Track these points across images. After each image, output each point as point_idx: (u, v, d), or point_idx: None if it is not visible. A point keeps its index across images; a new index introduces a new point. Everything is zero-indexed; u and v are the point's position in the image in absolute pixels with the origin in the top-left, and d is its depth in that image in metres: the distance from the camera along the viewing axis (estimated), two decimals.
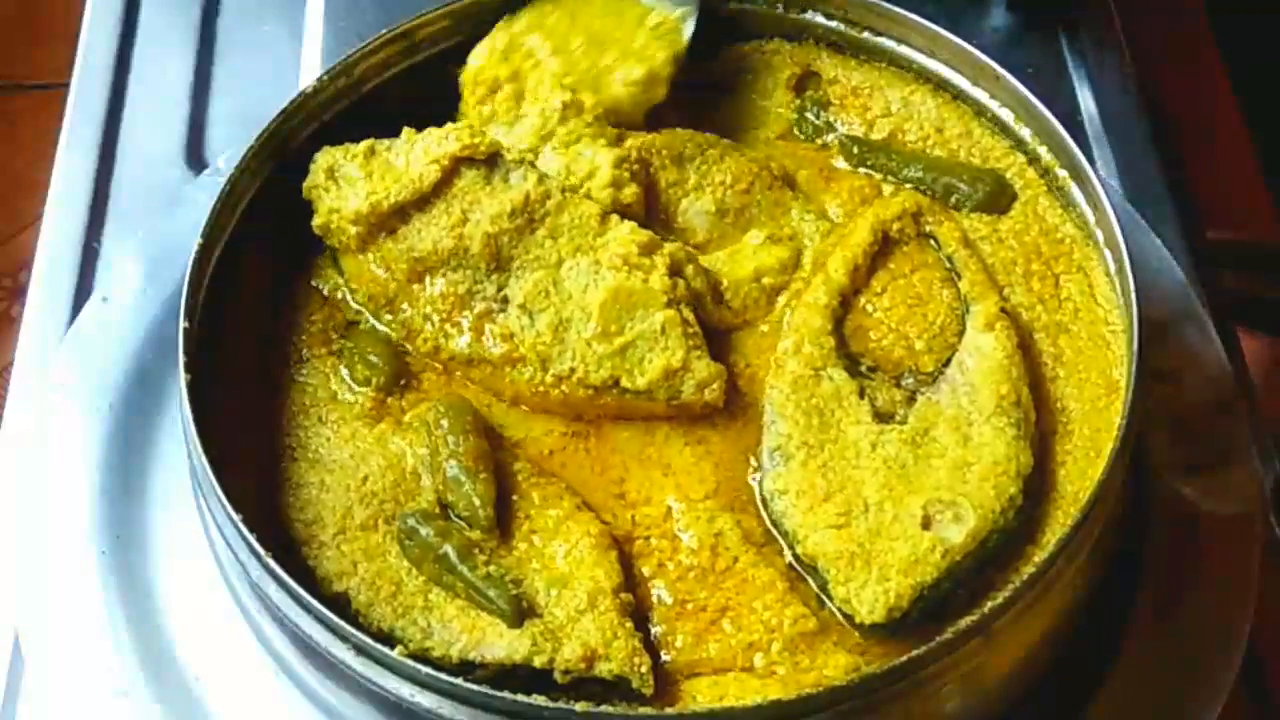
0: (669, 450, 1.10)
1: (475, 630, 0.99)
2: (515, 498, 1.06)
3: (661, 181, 1.20)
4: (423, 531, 1.03)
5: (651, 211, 1.20)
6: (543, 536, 1.04)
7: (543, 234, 1.14)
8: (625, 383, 1.10)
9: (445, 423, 1.08)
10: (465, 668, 0.97)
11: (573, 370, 1.10)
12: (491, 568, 1.01)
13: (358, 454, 1.08)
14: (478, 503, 1.04)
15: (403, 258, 1.15)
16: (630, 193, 1.17)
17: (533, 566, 1.03)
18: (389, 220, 1.15)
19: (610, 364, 1.10)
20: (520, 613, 0.99)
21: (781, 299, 1.17)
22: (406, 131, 1.20)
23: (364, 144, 1.19)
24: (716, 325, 1.15)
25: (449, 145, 1.16)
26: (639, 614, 1.02)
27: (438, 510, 1.05)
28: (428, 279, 1.15)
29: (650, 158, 1.20)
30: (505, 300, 1.14)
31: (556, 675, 0.97)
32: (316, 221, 1.18)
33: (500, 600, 0.99)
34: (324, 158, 1.19)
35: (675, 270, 1.13)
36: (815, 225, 1.20)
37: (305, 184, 1.19)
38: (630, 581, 1.03)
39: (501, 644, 0.98)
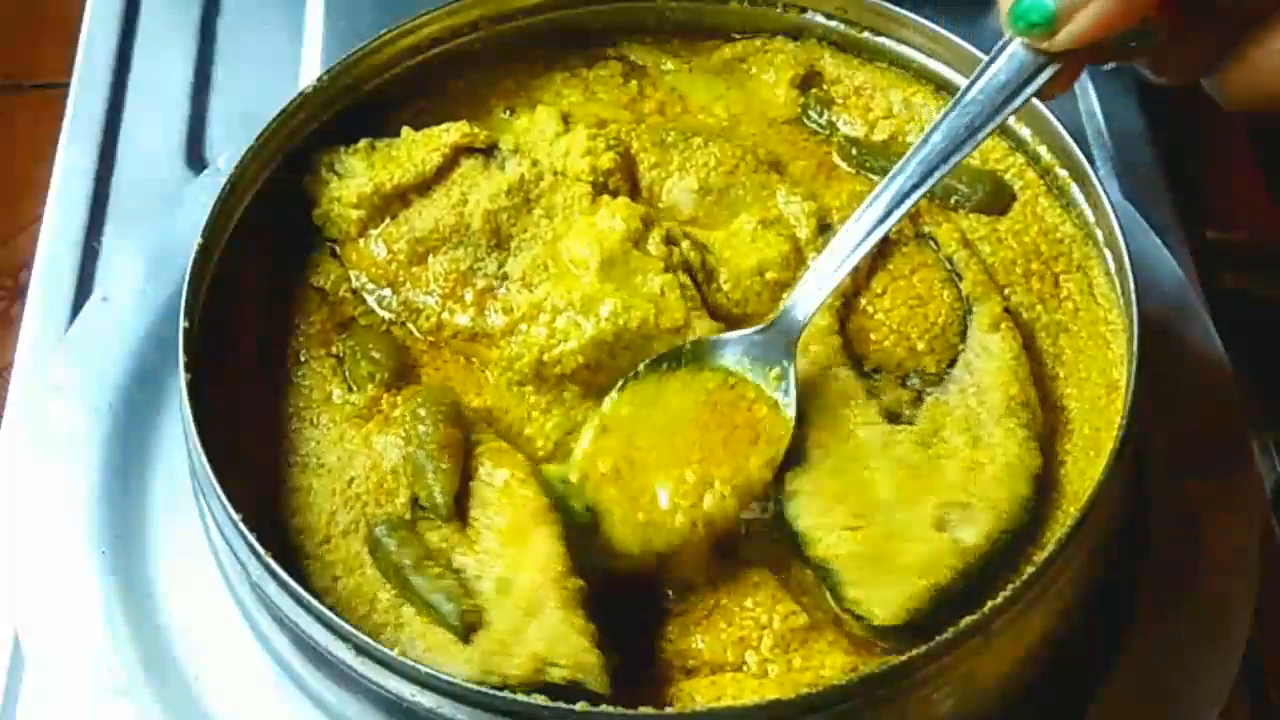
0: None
1: (438, 648, 0.97)
2: (471, 483, 1.04)
3: (644, 164, 1.22)
4: (385, 542, 1.01)
5: (635, 192, 1.21)
6: (487, 521, 1.02)
7: (539, 213, 1.17)
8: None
9: (421, 412, 1.06)
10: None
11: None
12: (445, 581, 0.98)
13: (345, 456, 1.07)
14: (437, 490, 1.02)
15: (404, 239, 1.17)
16: (608, 158, 1.19)
17: (490, 565, 1.00)
18: (390, 204, 1.18)
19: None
20: (468, 627, 0.96)
21: (785, 297, 1.17)
22: (406, 130, 1.22)
23: (363, 142, 1.21)
24: (712, 308, 1.15)
25: (450, 136, 1.19)
26: (634, 609, 1.02)
27: (409, 506, 1.04)
28: (430, 258, 1.16)
29: (631, 140, 1.22)
30: (505, 276, 1.16)
31: (516, 691, 0.93)
32: (317, 211, 1.18)
33: (451, 616, 0.96)
34: (325, 156, 1.21)
35: (670, 241, 1.15)
36: (802, 207, 1.20)
37: (306, 179, 1.19)
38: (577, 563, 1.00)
39: (459, 659, 0.96)
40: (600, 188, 1.18)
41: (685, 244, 1.16)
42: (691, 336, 1.10)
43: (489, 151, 1.20)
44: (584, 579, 0.99)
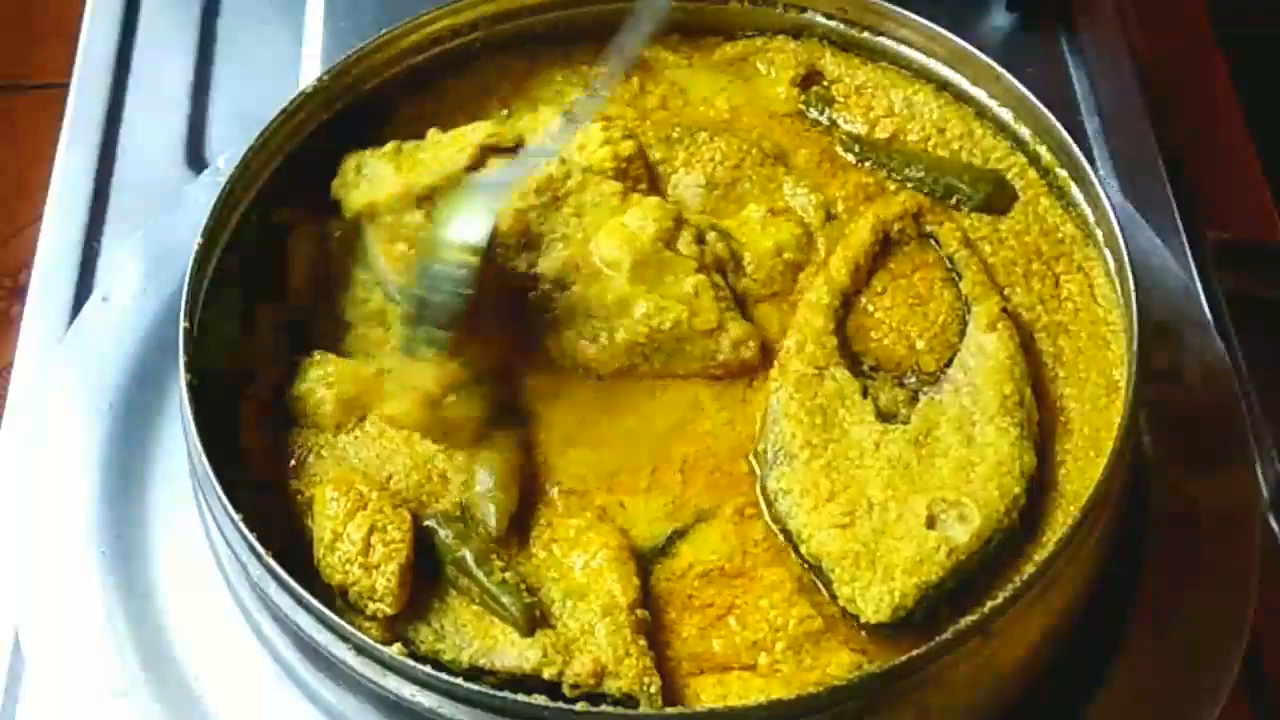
0: (679, 436, 1.10)
1: (488, 637, 0.99)
2: (540, 505, 1.06)
3: (649, 159, 1.22)
4: (442, 533, 1.02)
5: (653, 179, 1.21)
6: (562, 546, 1.04)
7: (569, 211, 1.16)
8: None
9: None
10: (475, 673, 0.97)
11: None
12: (508, 574, 1.01)
13: (382, 453, 1.07)
14: (492, 509, 1.04)
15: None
16: (628, 145, 1.19)
17: (550, 575, 1.02)
18: (420, 205, 1.17)
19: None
20: (533, 622, 0.98)
21: (801, 278, 1.17)
22: (432, 132, 1.21)
23: (390, 144, 1.21)
24: (740, 295, 1.16)
25: (476, 135, 1.19)
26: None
27: (458, 514, 1.05)
28: None
29: (637, 135, 1.22)
30: (537, 278, 1.15)
31: (564, 688, 0.97)
32: (347, 216, 1.18)
33: (514, 608, 0.99)
34: (352, 158, 1.20)
35: (699, 239, 1.15)
36: (809, 198, 1.21)
37: (334, 183, 1.19)
38: (647, 596, 1.02)
39: (512, 652, 0.98)
40: (622, 174, 1.18)
41: (712, 236, 1.16)
42: (725, 338, 1.11)
43: (515, 151, 1.19)
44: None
